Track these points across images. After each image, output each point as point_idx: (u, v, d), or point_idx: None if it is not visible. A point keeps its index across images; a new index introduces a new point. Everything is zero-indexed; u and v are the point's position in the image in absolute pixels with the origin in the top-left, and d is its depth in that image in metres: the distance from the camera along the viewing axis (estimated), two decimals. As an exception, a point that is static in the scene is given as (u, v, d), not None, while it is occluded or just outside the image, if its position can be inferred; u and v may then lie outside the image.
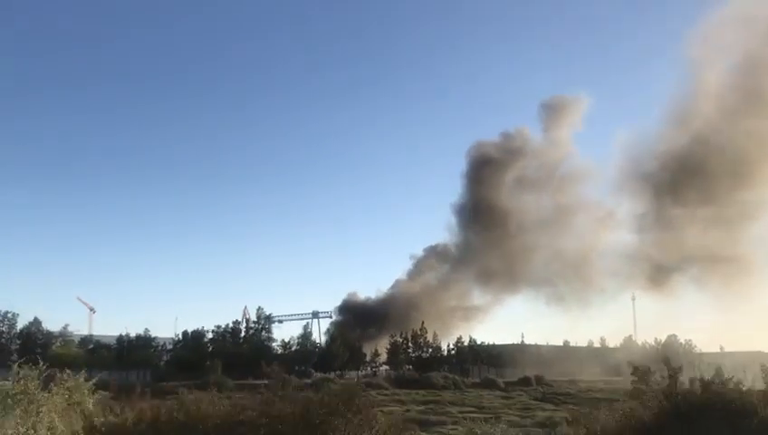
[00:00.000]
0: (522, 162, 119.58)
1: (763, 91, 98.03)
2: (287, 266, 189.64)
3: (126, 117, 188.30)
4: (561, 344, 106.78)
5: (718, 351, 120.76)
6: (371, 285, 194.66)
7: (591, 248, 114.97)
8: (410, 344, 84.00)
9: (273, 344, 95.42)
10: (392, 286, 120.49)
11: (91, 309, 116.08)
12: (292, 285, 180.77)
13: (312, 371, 76.62)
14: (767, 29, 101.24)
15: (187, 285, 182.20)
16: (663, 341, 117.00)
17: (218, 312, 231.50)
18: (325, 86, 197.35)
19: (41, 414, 9.65)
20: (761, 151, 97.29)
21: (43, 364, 10.55)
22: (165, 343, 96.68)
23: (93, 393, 10.86)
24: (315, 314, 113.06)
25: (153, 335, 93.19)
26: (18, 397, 9.77)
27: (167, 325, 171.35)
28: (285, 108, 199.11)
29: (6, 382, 10.09)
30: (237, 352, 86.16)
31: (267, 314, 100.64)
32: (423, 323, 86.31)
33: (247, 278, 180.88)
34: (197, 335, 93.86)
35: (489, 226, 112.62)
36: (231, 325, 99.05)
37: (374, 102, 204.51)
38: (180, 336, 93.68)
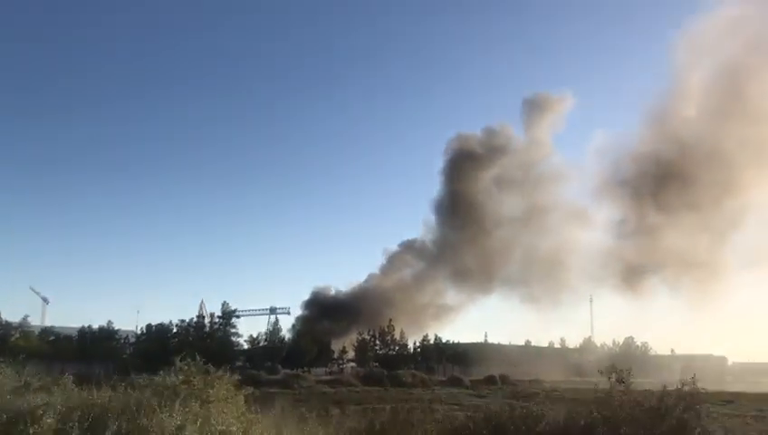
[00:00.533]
0: (502, 160, 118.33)
1: (745, 95, 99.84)
2: (247, 260, 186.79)
3: (79, 109, 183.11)
4: (523, 344, 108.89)
5: (669, 353, 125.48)
6: (338, 281, 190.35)
7: (566, 249, 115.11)
8: (377, 341, 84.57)
9: (239, 339, 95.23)
10: (364, 281, 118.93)
11: (45, 299, 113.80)
12: (250, 279, 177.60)
13: (279, 367, 76.47)
14: (751, 34, 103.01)
15: (146, 278, 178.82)
16: (621, 343, 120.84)
17: (176, 306, 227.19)
18: (300, 74, 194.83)
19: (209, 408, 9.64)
20: (741, 156, 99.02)
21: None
22: (128, 336, 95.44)
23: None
24: (273, 310, 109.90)
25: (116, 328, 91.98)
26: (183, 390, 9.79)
27: (123, 318, 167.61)
28: (256, 95, 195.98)
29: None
30: (202, 347, 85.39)
31: (232, 308, 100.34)
32: (390, 320, 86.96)
33: (205, 272, 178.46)
34: (162, 329, 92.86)
35: (466, 223, 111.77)
36: (195, 319, 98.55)
37: (352, 93, 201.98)
38: (144, 329, 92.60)
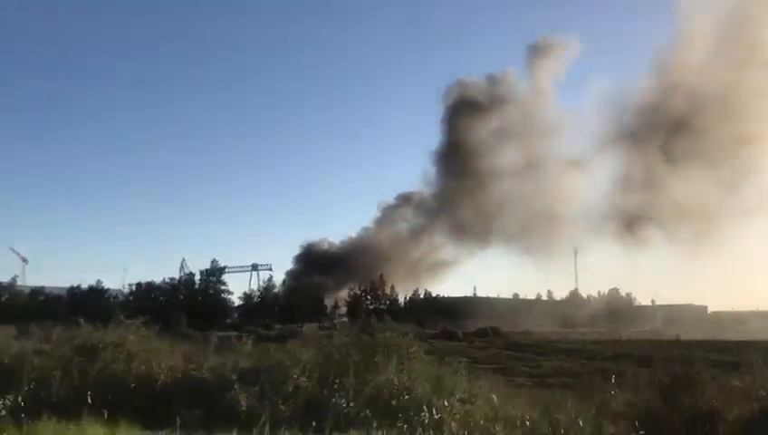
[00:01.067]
0: (503, 109, 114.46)
1: (751, 42, 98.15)
2: (232, 216, 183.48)
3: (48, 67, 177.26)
4: (512, 297, 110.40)
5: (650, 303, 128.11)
6: (330, 234, 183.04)
7: (564, 201, 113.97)
8: (369, 297, 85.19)
9: (231, 296, 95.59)
10: (358, 235, 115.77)
11: (24, 259, 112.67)
12: (233, 236, 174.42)
13: (273, 323, 76.95)
14: None
15: (130, 236, 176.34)
16: (606, 294, 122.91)
17: (160, 263, 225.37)
18: (291, 23, 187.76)
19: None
20: (748, 104, 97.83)
21: None
22: (117, 295, 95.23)
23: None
24: (254, 267, 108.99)
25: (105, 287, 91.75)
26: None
27: (106, 278, 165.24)
28: (243, 43, 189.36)
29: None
30: (194, 304, 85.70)
31: (222, 265, 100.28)
32: (381, 275, 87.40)
33: (187, 229, 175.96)
34: (151, 287, 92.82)
35: (464, 174, 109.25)
36: (185, 277, 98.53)
37: (345, 39, 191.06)
38: (134, 288, 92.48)
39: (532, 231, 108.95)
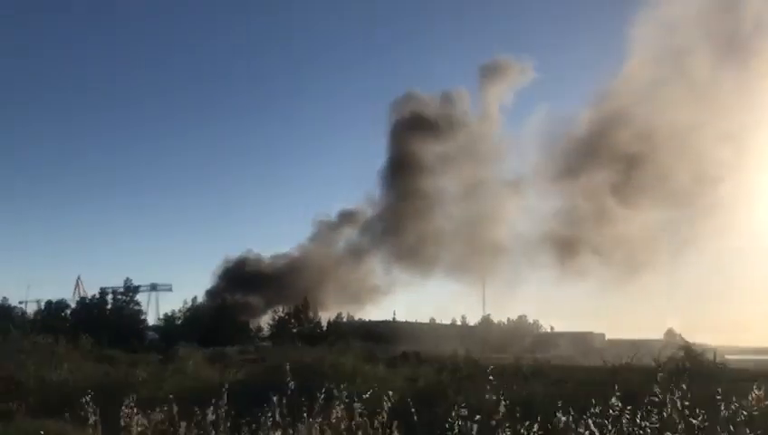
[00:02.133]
0: (450, 129, 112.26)
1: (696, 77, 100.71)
2: (136, 232, 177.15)
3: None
4: (428, 322, 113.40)
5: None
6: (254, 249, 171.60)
7: (502, 229, 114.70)
8: (293, 320, 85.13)
9: (145, 317, 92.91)
10: (288, 252, 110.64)
11: None
12: (131, 253, 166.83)
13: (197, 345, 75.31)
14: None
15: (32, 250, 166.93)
16: (515, 320, 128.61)
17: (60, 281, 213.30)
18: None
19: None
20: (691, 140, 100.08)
21: None
22: (22, 313, 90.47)
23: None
24: (154, 287, 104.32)
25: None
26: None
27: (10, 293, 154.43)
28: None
29: None
30: (107, 324, 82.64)
31: (136, 285, 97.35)
32: (306, 297, 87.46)
33: (84, 243, 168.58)
34: (62, 305, 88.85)
35: (407, 195, 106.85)
36: (98, 295, 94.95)
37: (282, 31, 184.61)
38: (43, 306, 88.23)
39: (469, 258, 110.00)
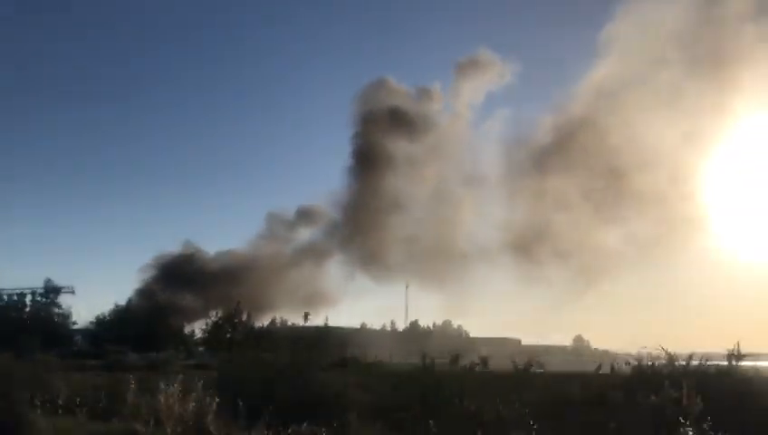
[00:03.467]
0: (421, 127, 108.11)
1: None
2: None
3: None
4: (359, 327, 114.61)
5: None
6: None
7: (460, 232, 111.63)
8: (226, 325, 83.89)
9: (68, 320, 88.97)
10: (234, 249, 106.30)
11: None
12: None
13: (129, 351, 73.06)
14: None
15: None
16: (440, 325, 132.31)
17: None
18: None
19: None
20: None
21: None
22: None
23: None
24: (52, 290, 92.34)
25: None
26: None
27: None
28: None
29: None
30: (25, 327, 78.87)
31: (58, 285, 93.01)
32: (239, 302, 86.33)
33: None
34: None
35: (369, 194, 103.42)
36: (15, 297, 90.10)
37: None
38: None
39: (427, 261, 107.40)
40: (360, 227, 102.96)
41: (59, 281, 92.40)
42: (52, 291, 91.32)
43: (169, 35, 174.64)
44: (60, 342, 76.16)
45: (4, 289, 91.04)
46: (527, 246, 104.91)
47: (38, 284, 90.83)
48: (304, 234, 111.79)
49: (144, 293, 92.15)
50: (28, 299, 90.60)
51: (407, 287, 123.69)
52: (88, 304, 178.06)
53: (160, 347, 77.79)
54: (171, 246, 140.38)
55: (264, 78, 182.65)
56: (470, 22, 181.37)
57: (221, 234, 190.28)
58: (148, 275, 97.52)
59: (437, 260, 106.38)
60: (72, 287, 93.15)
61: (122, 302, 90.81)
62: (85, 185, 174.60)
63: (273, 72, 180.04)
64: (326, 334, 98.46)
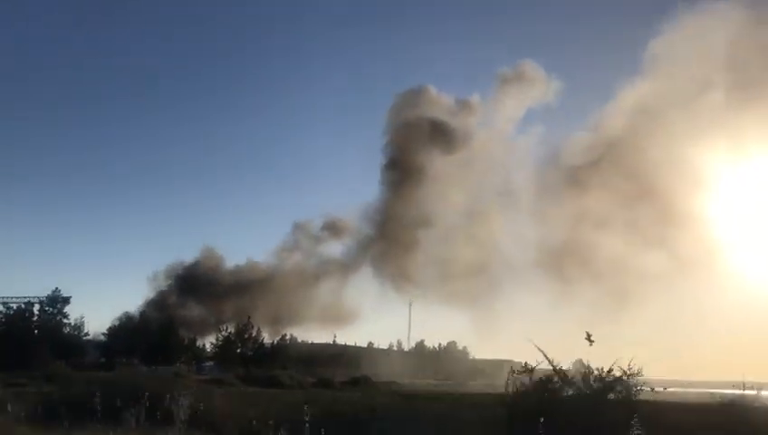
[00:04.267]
0: (460, 142, 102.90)
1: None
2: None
3: None
4: (366, 346, 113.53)
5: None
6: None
7: (492, 249, 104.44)
8: (237, 340, 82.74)
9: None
10: (253, 261, 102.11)
11: None
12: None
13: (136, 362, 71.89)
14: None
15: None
16: (445, 346, 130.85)
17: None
18: None
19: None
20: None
21: None
22: None
23: None
24: (60, 299, 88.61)
25: None
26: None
27: None
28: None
29: None
30: (33, 339, 77.67)
31: (65, 295, 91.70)
32: (249, 317, 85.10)
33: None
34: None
35: (403, 207, 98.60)
36: (22, 307, 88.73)
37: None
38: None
39: (457, 280, 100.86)
40: (392, 241, 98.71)
41: (64, 288, 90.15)
42: (59, 301, 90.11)
43: (187, 32, 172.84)
44: (72, 352, 74.97)
45: (7, 297, 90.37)
46: (559, 266, 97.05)
47: (39, 290, 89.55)
48: (331, 247, 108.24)
49: (157, 303, 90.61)
50: (36, 308, 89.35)
51: (410, 305, 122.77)
52: (97, 310, 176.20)
53: (171, 360, 76.78)
54: (188, 251, 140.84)
55: (295, 83, 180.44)
56: (511, 33, 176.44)
57: (241, 240, 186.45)
58: (163, 283, 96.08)
59: (468, 279, 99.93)
60: (68, 297, 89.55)
61: (129, 308, 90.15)
62: (93, 187, 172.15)
63: (304, 78, 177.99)
64: (341, 353, 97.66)
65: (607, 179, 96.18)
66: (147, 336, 72.86)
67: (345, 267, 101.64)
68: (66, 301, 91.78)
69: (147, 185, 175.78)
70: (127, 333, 77.06)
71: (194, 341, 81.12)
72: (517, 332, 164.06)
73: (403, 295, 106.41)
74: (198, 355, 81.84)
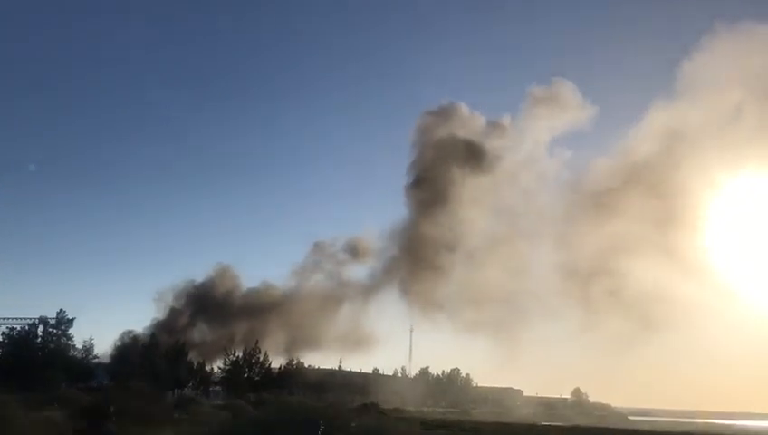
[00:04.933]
0: (490, 164, 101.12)
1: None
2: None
3: None
4: (371, 372, 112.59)
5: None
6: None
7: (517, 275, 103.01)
8: (245, 365, 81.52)
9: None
10: (266, 282, 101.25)
11: None
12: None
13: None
14: None
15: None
16: (447, 373, 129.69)
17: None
18: None
19: None
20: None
21: None
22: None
23: None
24: (65, 321, 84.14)
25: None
26: None
27: None
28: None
29: None
30: (38, 361, 76.43)
31: (69, 317, 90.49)
32: (257, 341, 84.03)
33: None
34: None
35: (424, 229, 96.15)
36: (27, 328, 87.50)
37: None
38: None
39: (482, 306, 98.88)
40: (417, 264, 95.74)
41: (68, 308, 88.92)
42: (65, 321, 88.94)
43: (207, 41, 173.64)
44: (83, 376, 73.73)
45: (9, 318, 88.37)
46: (584, 293, 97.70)
47: (40, 311, 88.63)
48: (353, 268, 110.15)
49: (166, 325, 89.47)
50: (40, 330, 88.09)
51: (411, 331, 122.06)
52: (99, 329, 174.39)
53: (180, 385, 75.57)
54: (198, 269, 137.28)
55: (315, 96, 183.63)
56: (544, 51, 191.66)
57: (255, 258, 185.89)
58: (173, 302, 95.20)
59: (493, 305, 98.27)
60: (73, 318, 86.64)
61: (133, 326, 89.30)
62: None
63: (325, 92, 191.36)
64: (349, 379, 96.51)
65: (635, 204, 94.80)
66: (155, 360, 71.55)
67: (367, 290, 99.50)
68: (71, 322, 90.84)
69: (152, 195, 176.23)
70: (134, 355, 75.87)
71: (203, 365, 79.92)
72: (524, 360, 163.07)
73: (428, 320, 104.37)
74: (206, 380, 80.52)
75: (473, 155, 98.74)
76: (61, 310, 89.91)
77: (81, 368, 75.96)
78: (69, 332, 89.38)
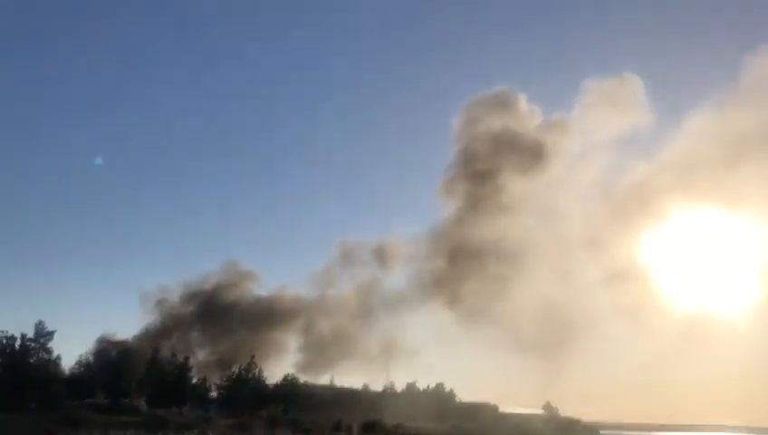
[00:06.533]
0: (544, 164, 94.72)
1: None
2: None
3: None
4: (361, 388, 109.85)
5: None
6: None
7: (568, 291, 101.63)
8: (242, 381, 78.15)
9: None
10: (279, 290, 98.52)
11: None
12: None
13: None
14: None
15: None
16: (432, 388, 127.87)
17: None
18: None
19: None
20: None
21: None
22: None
23: None
24: (45, 334, 77.75)
25: None
26: None
27: None
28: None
29: None
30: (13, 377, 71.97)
31: (49, 329, 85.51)
32: (253, 356, 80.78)
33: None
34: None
35: (469, 233, 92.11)
36: (4, 341, 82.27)
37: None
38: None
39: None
40: (459, 271, 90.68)
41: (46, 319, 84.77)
42: (44, 334, 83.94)
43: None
44: (82, 393, 69.28)
45: None
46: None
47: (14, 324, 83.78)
48: (383, 274, 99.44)
49: (162, 334, 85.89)
50: (17, 344, 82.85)
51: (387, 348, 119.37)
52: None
53: (178, 402, 71.61)
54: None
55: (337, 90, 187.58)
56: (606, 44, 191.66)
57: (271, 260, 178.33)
58: (173, 308, 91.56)
59: (542, 324, 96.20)
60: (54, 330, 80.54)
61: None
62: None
63: (356, 86, 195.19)
64: (350, 397, 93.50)
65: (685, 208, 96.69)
66: (158, 377, 67.77)
67: (401, 299, 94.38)
68: (50, 335, 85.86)
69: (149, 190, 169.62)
70: (129, 370, 71.95)
71: (204, 381, 76.36)
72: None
73: (470, 331, 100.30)
74: (204, 396, 76.92)
75: (533, 153, 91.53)
76: (39, 322, 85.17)
77: (79, 384, 71.29)
78: (48, 345, 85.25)
